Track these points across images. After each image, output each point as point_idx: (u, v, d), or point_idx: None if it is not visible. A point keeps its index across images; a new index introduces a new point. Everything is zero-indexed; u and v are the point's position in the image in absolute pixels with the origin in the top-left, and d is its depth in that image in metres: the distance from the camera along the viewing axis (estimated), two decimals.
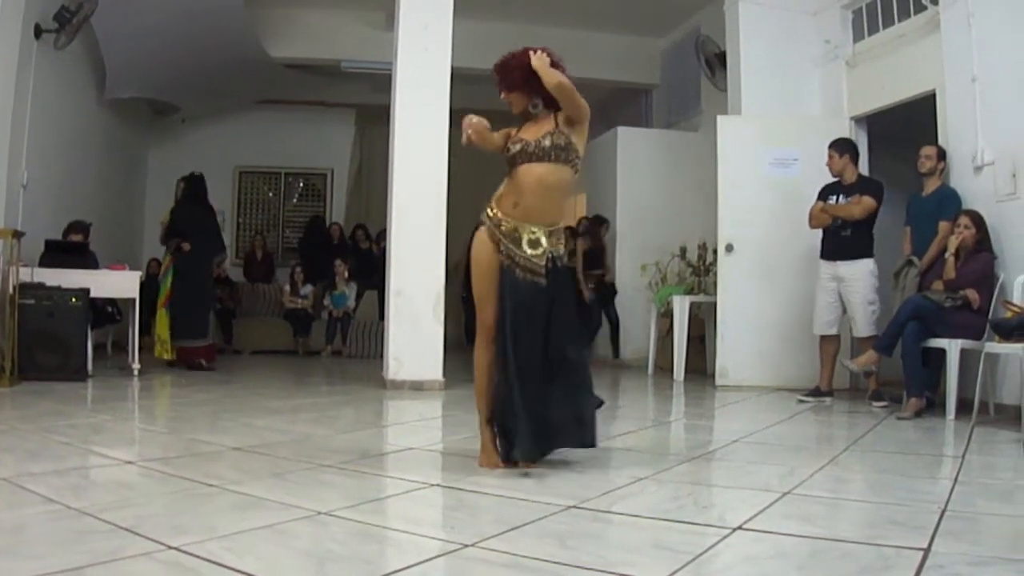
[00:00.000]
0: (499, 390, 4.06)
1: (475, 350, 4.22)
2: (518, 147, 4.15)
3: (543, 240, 4.15)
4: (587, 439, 4.16)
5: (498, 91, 4.28)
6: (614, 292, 11.32)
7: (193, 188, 9.58)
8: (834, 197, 7.58)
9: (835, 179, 7.65)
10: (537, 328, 4.08)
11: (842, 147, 7.67)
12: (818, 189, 7.73)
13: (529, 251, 4.11)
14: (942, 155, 7.23)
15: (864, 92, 8.64)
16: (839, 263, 7.52)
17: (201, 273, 9.43)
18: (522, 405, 3.94)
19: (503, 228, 4.11)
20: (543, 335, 4.10)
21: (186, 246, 9.21)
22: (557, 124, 4.19)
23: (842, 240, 7.50)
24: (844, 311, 7.60)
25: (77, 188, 10.29)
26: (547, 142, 4.13)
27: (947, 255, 6.69)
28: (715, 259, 9.13)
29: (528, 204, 4.10)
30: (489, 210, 4.20)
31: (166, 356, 9.39)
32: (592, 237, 11.26)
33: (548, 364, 4.07)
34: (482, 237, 4.16)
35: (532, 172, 4.10)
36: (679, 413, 7.20)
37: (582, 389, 4.17)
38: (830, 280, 7.60)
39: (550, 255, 4.15)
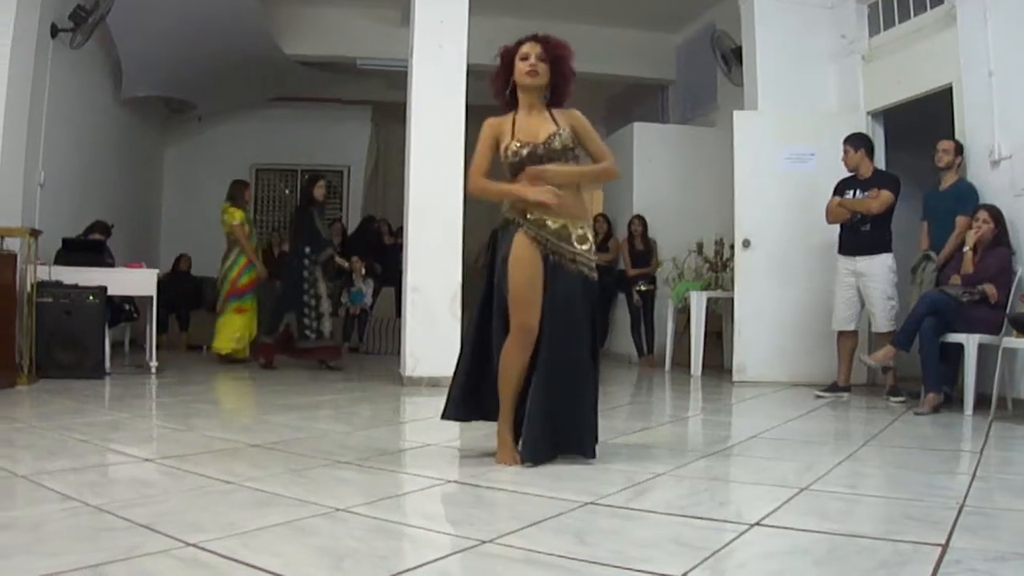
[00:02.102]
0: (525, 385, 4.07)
1: (507, 351, 4.04)
2: (526, 151, 4.08)
3: (589, 235, 4.18)
4: (589, 448, 4.11)
5: (533, 56, 4.12)
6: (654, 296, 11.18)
7: (302, 191, 9.79)
8: (850, 192, 7.56)
9: (851, 174, 7.64)
10: (585, 323, 4.10)
11: (857, 142, 7.65)
12: (834, 184, 7.71)
13: (580, 247, 4.10)
14: (959, 149, 7.20)
15: (880, 87, 8.60)
16: (858, 258, 7.50)
17: (296, 274, 9.41)
18: (545, 405, 3.96)
19: (549, 227, 4.05)
20: (589, 331, 4.13)
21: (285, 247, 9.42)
22: (558, 124, 4.17)
23: (861, 235, 7.48)
24: (862, 306, 7.59)
25: (94, 187, 10.34)
26: (557, 143, 4.10)
27: (965, 249, 6.66)
28: (732, 255, 9.11)
29: (567, 201, 4.06)
30: (521, 211, 4.09)
31: (225, 351, 9.77)
32: (641, 236, 11.16)
33: (578, 362, 4.08)
34: (523, 240, 4.04)
35: None
36: (696, 409, 7.19)
37: (593, 394, 4.18)
38: (848, 275, 7.57)
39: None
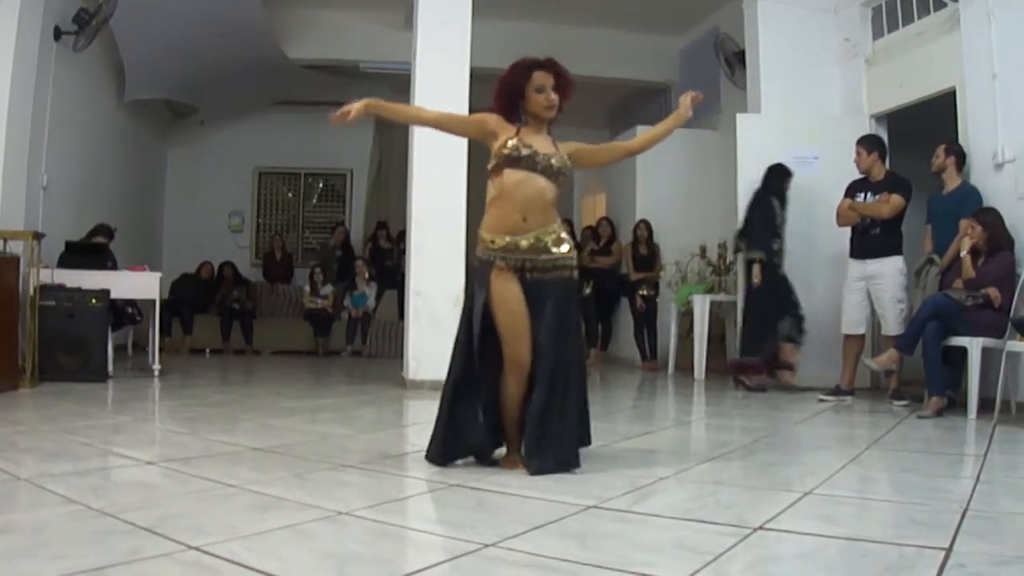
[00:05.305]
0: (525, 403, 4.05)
1: (506, 384, 4.04)
2: (527, 152, 4.04)
3: (562, 234, 4.14)
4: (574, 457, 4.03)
5: (549, 88, 4.10)
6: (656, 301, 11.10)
7: (765, 179, 8.45)
8: (862, 195, 7.53)
9: (861, 176, 7.61)
10: (574, 325, 4.16)
11: (871, 144, 7.61)
12: (838, 187, 7.70)
13: (557, 250, 4.07)
14: (951, 152, 7.17)
15: (884, 90, 8.59)
16: (868, 261, 7.47)
17: (773, 273, 8.25)
18: (545, 414, 3.93)
19: (523, 246, 4.02)
20: (577, 330, 4.15)
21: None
22: (558, 150, 4.16)
23: (871, 238, 7.44)
24: (871, 310, 7.57)
25: (97, 190, 10.35)
26: (555, 162, 4.08)
27: (962, 254, 6.66)
28: (735, 258, 9.09)
29: (536, 218, 4.04)
30: (490, 242, 4.07)
31: None
32: (646, 241, 11.10)
33: (571, 366, 4.05)
34: (498, 275, 4.02)
35: (535, 184, 4.04)
36: (700, 413, 7.18)
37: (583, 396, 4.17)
38: (859, 279, 7.54)
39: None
